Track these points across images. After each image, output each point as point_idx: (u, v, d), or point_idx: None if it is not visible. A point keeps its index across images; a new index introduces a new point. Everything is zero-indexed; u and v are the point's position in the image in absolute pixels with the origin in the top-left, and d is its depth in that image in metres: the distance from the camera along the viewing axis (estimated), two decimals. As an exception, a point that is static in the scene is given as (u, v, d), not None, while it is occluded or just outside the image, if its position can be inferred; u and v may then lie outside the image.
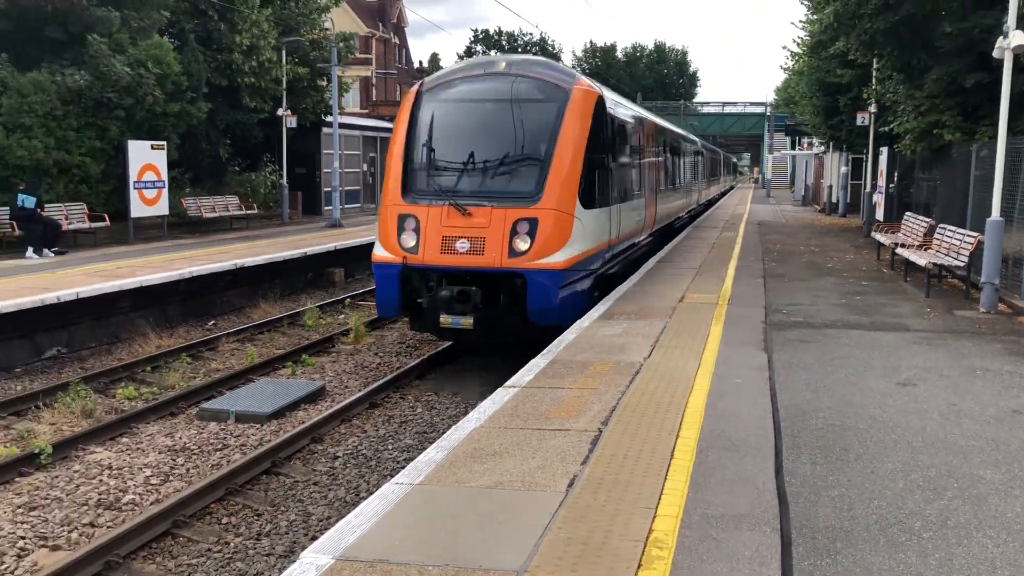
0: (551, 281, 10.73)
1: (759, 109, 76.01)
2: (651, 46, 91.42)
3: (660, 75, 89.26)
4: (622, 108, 14.97)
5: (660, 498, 4.93)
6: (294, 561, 4.29)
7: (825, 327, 10.42)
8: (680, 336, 9.46)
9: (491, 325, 11.13)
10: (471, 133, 11.74)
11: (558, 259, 10.80)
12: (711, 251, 18.91)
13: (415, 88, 12.47)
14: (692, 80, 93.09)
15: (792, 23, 65.58)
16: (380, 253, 11.36)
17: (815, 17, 22.50)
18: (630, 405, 6.80)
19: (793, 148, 61.68)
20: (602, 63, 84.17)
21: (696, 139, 34.62)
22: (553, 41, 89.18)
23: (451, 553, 4.26)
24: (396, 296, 11.28)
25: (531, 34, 76.86)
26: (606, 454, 5.67)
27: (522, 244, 10.72)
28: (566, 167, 11.07)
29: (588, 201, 11.46)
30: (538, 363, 8.21)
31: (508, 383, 7.51)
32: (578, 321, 10.49)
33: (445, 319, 10.86)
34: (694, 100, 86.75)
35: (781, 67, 48.33)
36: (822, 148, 40.75)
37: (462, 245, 10.80)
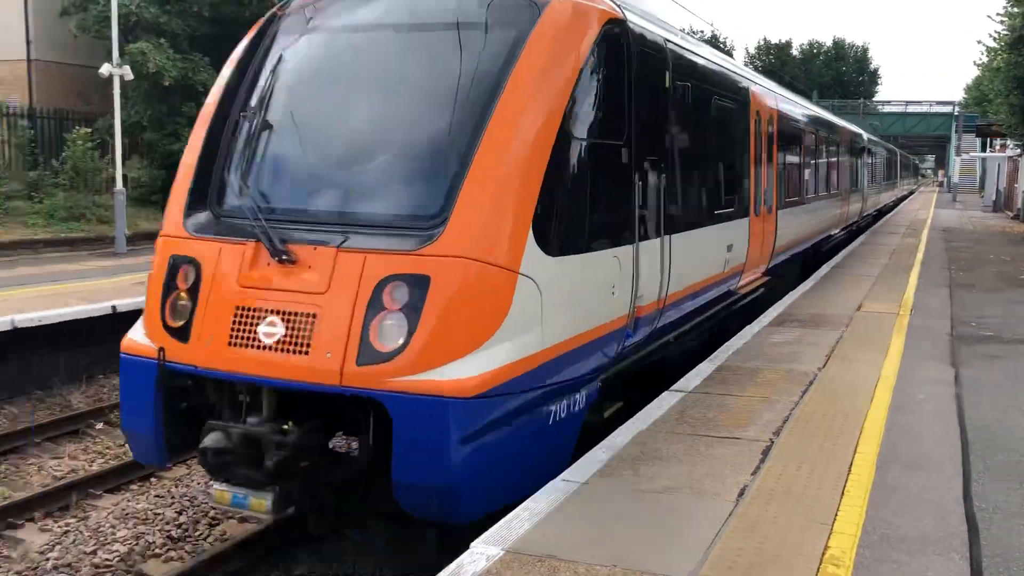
0: (446, 423, 4.98)
1: (946, 109, 71.73)
2: (829, 42, 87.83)
3: (838, 72, 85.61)
4: (688, 54, 8.29)
5: (836, 514, 4.75)
6: (464, 550, 4.42)
7: (1019, 342, 9.70)
8: (857, 347, 9.05)
9: (325, 506, 6.11)
10: (334, 97, 6.24)
11: (468, 371, 5.05)
12: (890, 258, 17.97)
13: (262, 19, 6.85)
14: (873, 78, 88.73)
15: (988, 16, 61.43)
16: (132, 338, 5.91)
17: (1015, 10, 20.99)
18: (803, 416, 6.57)
19: (983, 150, 57.71)
20: (776, 60, 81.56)
21: (859, 131, 27.89)
22: (726, 38, 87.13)
23: (618, 553, 4.26)
24: (151, 424, 5.69)
25: (703, 31, 75.47)
26: (778, 465, 5.51)
27: (391, 333, 5.09)
28: (508, 164, 5.40)
29: (564, 235, 5.77)
30: (704, 369, 8.07)
31: (674, 387, 7.42)
32: (747, 327, 10.01)
33: (220, 493, 5.52)
34: (874, 99, 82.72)
35: (974, 63, 45.22)
36: (1017, 150, 37.92)
37: (269, 330, 5.25)
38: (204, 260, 5.64)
